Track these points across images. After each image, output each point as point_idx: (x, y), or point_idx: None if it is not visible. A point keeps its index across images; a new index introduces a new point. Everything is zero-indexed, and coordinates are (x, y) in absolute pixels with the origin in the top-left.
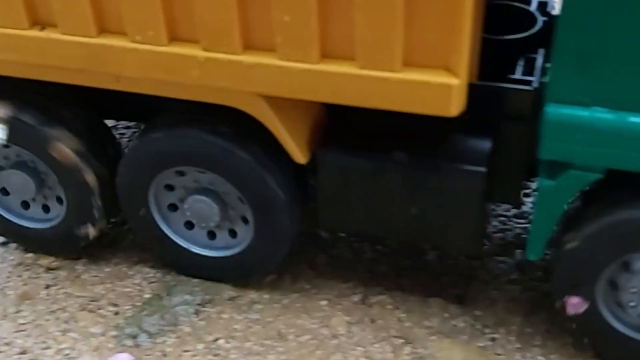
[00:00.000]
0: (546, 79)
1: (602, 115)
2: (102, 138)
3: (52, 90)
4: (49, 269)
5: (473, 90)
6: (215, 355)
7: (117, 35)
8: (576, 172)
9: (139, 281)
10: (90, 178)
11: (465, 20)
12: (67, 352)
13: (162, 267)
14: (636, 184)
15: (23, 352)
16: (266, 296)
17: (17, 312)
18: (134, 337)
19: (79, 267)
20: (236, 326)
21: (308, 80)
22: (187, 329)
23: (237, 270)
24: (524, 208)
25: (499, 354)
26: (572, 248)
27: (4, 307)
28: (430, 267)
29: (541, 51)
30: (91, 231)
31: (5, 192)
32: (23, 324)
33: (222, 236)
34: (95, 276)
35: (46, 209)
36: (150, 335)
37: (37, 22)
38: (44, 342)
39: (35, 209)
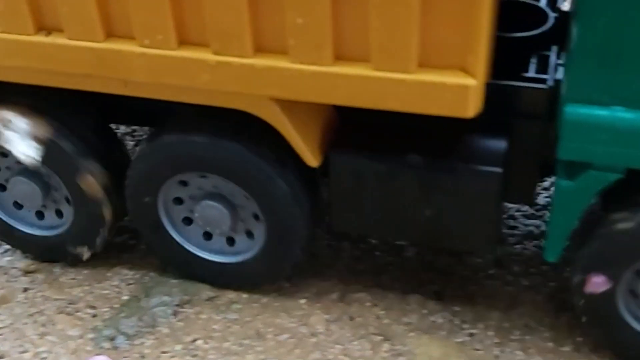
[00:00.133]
0: (562, 77)
1: (621, 114)
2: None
3: (86, 118)
4: (27, 272)
5: (486, 89)
6: (194, 356)
7: (125, 40)
8: (596, 173)
9: (117, 283)
10: (107, 213)
11: (484, 20)
12: (44, 355)
13: (140, 269)
14: None
15: (0, 357)
16: (245, 296)
17: None
18: (112, 339)
19: (57, 269)
20: (215, 326)
21: (321, 82)
22: (166, 330)
23: (248, 277)
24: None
25: (478, 349)
26: (624, 228)
27: None
28: (409, 263)
29: (554, 48)
30: (85, 254)
31: (3, 188)
32: (0, 328)
33: (220, 242)
34: (73, 279)
35: (41, 215)
36: (128, 337)
37: (43, 28)
38: (21, 345)
39: (29, 214)
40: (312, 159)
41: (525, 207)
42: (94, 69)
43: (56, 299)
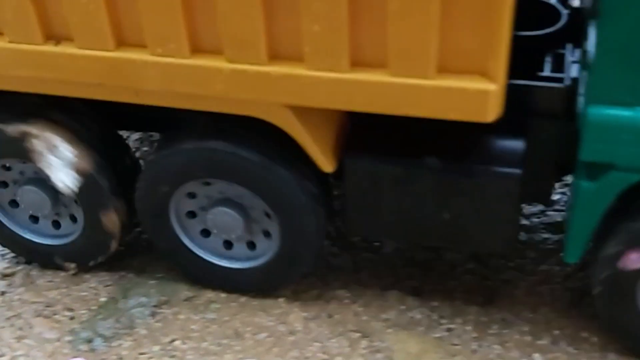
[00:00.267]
0: (579, 76)
1: None
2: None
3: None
4: (4, 276)
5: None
6: (172, 356)
7: (137, 48)
8: (619, 174)
9: (95, 285)
10: (114, 245)
11: (504, 24)
12: (21, 359)
13: (118, 270)
14: None
15: None
16: (223, 295)
17: None
18: (89, 341)
19: (34, 272)
20: (193, 326)
21: (338, 89)
22: (143, 331)
23: (260, 282)
24: None
25: (456, 344)
26: None
27: None
28: (388, 259)
29: (569, 46)
30: (72, 269)
31: (4, 185)
32: None
33: (242, 247)
34: (51, 281)
35: (35, 219)
36: (106, 339)
37: (52, 37)
38: None
39: (24, 216)
40: (327, 165)
41: None
42: (105, 78)
43: (33, 302)
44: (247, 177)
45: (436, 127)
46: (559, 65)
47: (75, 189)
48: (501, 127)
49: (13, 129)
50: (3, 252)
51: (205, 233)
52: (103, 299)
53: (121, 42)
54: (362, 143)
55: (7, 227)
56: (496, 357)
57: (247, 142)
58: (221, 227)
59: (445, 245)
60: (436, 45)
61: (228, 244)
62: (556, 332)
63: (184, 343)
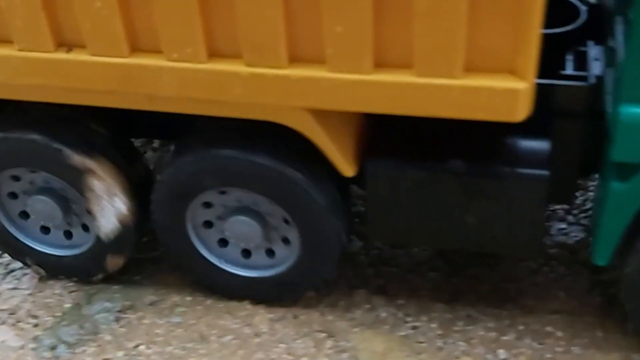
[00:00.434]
0: (605, 74)
1: None
2: None
3: None
4: None
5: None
6: None
7: (151, 54)
8: None
9: (59, 291)
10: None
11: (535, 19)
12: None
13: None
14: None
15: None
16: (189, 298)
17: None
18: (53, 348)
19: None
20: (157, 331)
21: (361, 91)
22: (108, 337)
23: (281, 290)
24: None
25: (421, 342)
26: None
27: None
28: (355, 258)
29: (590, 43)
30: (41, 273)
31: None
32: None
33: (260, 256)
34: (15, 288)
35: (26, 217)
36: (70, 345)
37: (63, 44)
38: None
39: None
40: (348, 169)
41: None
42: (119, 85)
43: None
44: (263, 184)
45: (457, 127)
46: (580, 63)
47: (112, 237)
48: (523, 127)
49: (79, 159)
50: None
51: (223, 242)
52: (67, 305)
53: (135, 48)
54: (383, 146)
55: (19, 239)
56: (461, 354)
57: (261, 147)
58: (239, 235)
59: (469, 249)
60: (464, 44)
61: (246, 253)
62: (521, 327)
63: (148, 348)
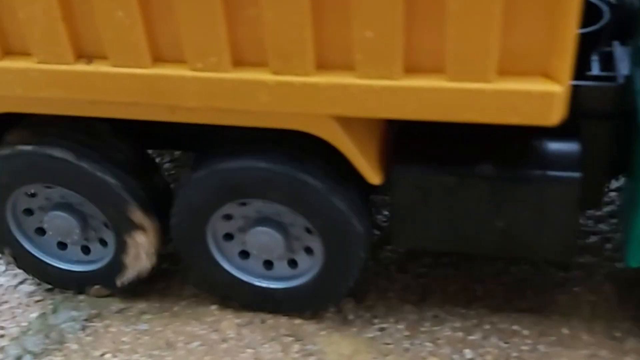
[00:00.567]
0: (634, 74)
1: None
2: None
3: None
4: None
5: None
6: None
7: (174, 64)
8: None
9: (26, 300)
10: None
11: (571, 20)
12: None
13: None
14: None
15: None
16: (156, 305)
17: None
18: (18, 358)
19: None
20: (124, 339)
21: (391, 98)
22: (74, 346)
23: (305, 301)
24: None
25: (388, 344)
26: None
27: None
28: None
29: (615, 43)
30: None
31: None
32: None
33: (283, 267)
34: None
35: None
36: (35, 355)
37: (83, 55)
38: None
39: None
40: (374, 176)
41: None
42: (141, 97)
43: None
44: (284, 194)
45: (482, 130)
46: (607, 63)
47: (144, 271)
48: (551, 130)
49: (136, 214)
50: None
51: (244, 254)
52: (33, 315)
53: (158, 58)
54: (409, 152)
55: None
56: (428, 355)
57: (280, 156)
58: (261, 247)
59: (499, 255)
60: (497, 47)
61: (269, 264)
62: (487, 327)
63: (114, 356)
